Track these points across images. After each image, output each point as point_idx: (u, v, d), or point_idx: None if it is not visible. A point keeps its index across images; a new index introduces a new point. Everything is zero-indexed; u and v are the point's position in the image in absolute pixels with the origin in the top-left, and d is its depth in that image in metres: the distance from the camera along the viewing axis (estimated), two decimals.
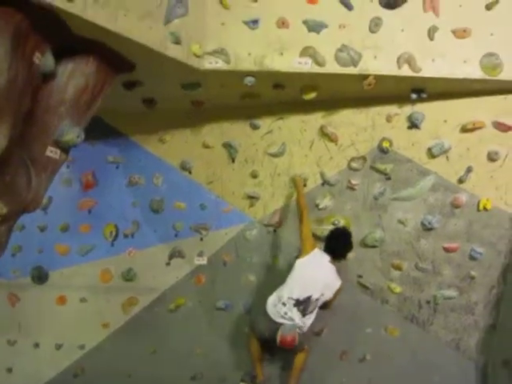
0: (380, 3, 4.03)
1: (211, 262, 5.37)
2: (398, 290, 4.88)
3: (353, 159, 4.86)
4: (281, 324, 4.32)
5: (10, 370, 5.59)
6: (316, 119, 4.91)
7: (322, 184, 4.99)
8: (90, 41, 3.36)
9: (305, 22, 4.05)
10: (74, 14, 2.93)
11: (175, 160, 5.45)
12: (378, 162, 4.79)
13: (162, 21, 3.62)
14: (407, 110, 4.62)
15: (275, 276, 5.14)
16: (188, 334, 5.38)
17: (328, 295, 4.46)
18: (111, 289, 5.58)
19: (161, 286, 5.50)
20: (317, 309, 4.45)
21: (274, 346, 4.50)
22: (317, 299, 4.37)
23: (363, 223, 4.55)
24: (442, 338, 4.86)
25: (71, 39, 3.25)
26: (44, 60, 3.13)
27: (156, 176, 5.51)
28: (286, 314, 4.32)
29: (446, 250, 4.72)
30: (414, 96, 4.41)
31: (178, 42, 3.75)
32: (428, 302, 4.85)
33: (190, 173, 5.44)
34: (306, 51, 4.05)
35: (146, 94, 4.78)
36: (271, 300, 4.44)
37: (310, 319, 4.41)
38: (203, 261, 5.36)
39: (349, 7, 4.04)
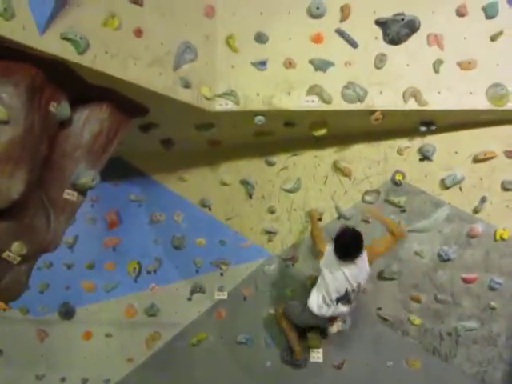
0: (384, 40, 4.10)
1: (231, 296, 5.43)
2: (417, 321, 4.88)
3: (367, 192, 4.91)
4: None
5: None
6: (329, 154, 4.98)
7: (338, 218, 5.04)
8: (103, 88, 3.52)
9: (311, 62, 4.14)
10: (85, 65, 3.10)
11: (195, 197, 5.56)
12: (391, 195, 4.82)
13: (171, 67, 3.75)
14: (418, 142, 4.66)
15: None
16: (210, 369, 5.41)
17: (363, 277, 4.39)
18: (135, 324, 5.66)
19: (183, 320, 5.56)
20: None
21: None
22: (353, 290, 4.36)
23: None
24: (466, 371, 4.81)
25: (85, 87, 3.41)
26: (60, 109, 3.28)
27: (177, 213, 5.61)
28: (334, 312, 4.46)
29: (465, 280, 4.71)
30: (422, 129, 4.46)
31: (187, 86, 3.86)
32: (449, 334, 4.82)
33: (209, 210, 5.53)
34: (313, 89, 4.13)
35: (162, 135, 4.90)
36: (315, 302, 4.48)
37: (355, 301, 4.52)
38: (224, 295, 5.44)
39: (354, 45, 4.12)
